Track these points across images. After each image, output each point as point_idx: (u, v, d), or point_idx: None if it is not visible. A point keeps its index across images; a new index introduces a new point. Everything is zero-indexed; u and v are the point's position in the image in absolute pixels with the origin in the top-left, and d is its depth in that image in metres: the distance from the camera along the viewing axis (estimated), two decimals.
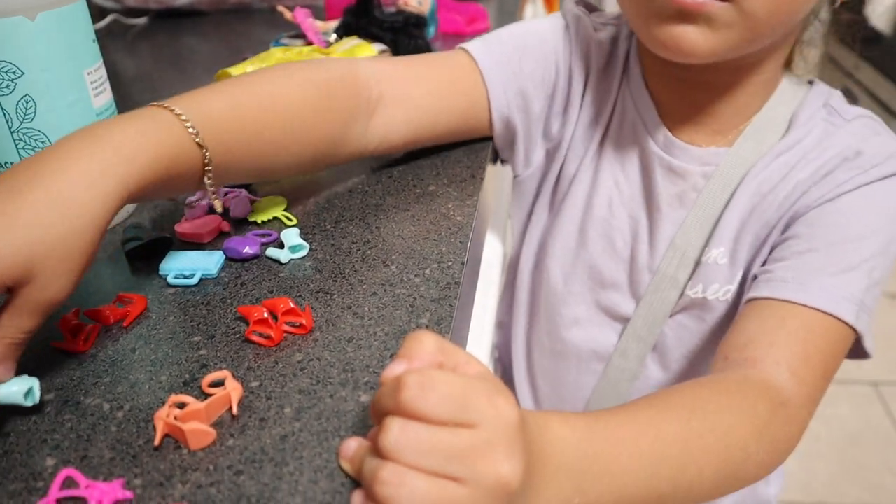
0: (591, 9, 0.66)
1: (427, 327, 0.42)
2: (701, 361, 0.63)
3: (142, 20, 1.05)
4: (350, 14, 0.78)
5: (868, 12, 2.08)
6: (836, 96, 0.60)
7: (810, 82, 0.61)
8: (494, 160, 0.66)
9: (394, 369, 0.32)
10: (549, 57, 0.62)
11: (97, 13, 1.06)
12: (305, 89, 0.50)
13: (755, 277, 0.55)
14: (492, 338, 0.70)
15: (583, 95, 0.63)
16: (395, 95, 0.56)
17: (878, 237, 0.52)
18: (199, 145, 0.43)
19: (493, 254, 0.68)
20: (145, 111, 0.42)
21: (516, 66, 0.61)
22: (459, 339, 0.46)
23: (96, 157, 0.38)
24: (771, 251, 0.56)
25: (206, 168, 0.44)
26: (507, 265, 0.76)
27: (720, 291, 0.59)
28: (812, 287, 0.50)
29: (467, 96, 0.60)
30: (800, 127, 0.58)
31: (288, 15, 0.81)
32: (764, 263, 0.56)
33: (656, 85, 0.61)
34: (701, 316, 0.61)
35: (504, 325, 0.78)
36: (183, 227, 0.52)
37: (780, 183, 0.56)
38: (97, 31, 0.99)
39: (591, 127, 0.63)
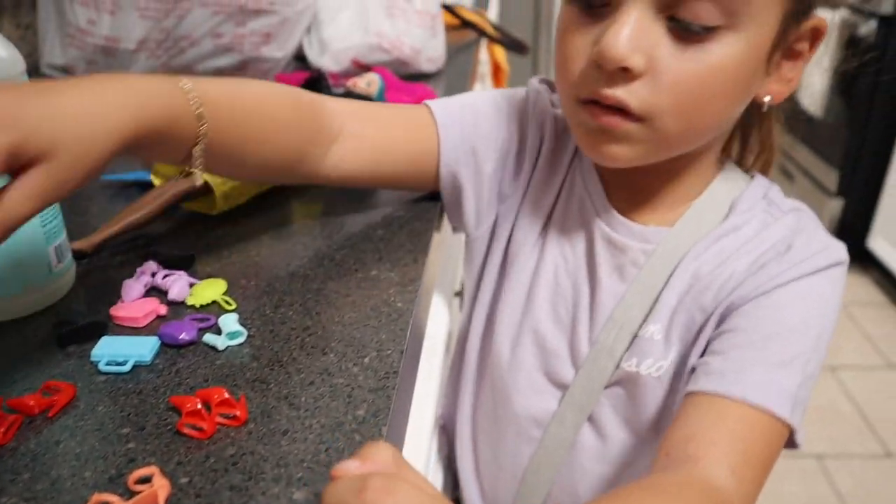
0: (554, 88, 0.69)
1: (364, 419, 0.41)
2: (635, 434, 0.64)
3: None
4: None
5: (800, 97, 2.20)
6: (775, 189, 0.63)
7: (752, 176, 0.64)
8: (442, 221, 0.66)
9: (349, 466, 0.32)
10: (503, 121, 0.66)
11: None
12: (284, 98, 0.56)
13: (693, 370, 0.56)
14: (433, 422, 0.69)
15: (535, 163, 0.66)
16: (353, 131, 0.61)
17: (810, 332, 0.54)
18: (199, 117, 0.48)
19: (436, 337, 0.68)
20: (161, 77, 0.47)
21: (471, 125, 0.64)
22: (398, 429, 0.45)
23: (120, 92, 0.43)
24: (708, 343, 0.57)
25: (199, 137, 0.48)
26: (459, 330, 0.77)
27: (653, 367, 0.60)
28: (748, 382, 0.51)
29: (420, 144, 0.64)
30: (739, 214, 0.60)
31: None
32: (702, 354, 0.57)
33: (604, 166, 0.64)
34: (634, 390, 0.62)
35: (451, 394, 0.78)
36: (118, 311, 0.51)
37: (718, 269, 0.58)
38: None
39: (541, 195, 0.66)
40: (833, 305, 0.57)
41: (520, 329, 0.67)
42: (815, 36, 0.54)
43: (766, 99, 0.56)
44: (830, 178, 2.41)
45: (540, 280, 0.65)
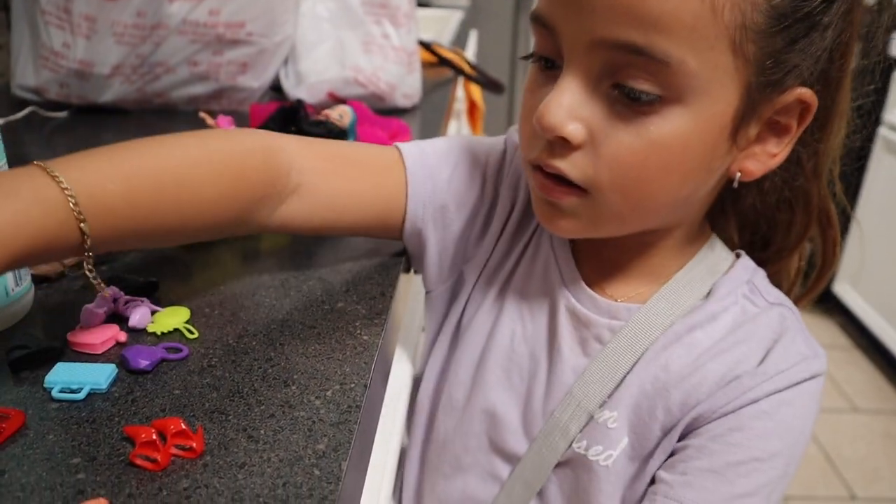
0: None
1: (324, 453, 0.40)
2: None
3: (62, 114, 1.03)
4: (272, 123, 0.79)
5: None
6: (761, 275, 0.59)
7: (738, 255, 0.60)
8: (408, 269, 0.66)
9: None
10: (478, 179, 0.62)
11: (16, 104, 1.04)
12: (213, 166, 0.49)
13: (653, 482, 0.54)
14: (396, 458, 0.67)
15: (504, 225, 0.63)
16: (312, 189, 0.55)
17: (778, 461, 0.52)
18: (83, 231, 0.42)
19: (402, 374, 0.67)
20: (29, 187, 0.41)
21: (444, 181, 0.60)
22: (360, 466, 0.44)
23: None
24: (672, 453, 0.55)
25: (87, 250, 0.43)
26: (413, 377, 0.72)
27: (602, 455, 0.56)
28: None
29: (386, 203, 0.59)
30: (717, 300, 0.56)
31: (210, 121, 0.82)
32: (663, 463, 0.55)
33: None
34: (582, 474, 0.58)
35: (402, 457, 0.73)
36: (76, 337, 0.49)
37: (688, 368, 0.54)
38: (13, 123, 0.98)
39: (504, 256, 0.63)
40: (805, 425, 0.54)
41: (470, 393, 0.63)
42: (804, 109, 0.49)
43: (737, 176, 0.52)
44: None
45: (494, 345, 0.61)
